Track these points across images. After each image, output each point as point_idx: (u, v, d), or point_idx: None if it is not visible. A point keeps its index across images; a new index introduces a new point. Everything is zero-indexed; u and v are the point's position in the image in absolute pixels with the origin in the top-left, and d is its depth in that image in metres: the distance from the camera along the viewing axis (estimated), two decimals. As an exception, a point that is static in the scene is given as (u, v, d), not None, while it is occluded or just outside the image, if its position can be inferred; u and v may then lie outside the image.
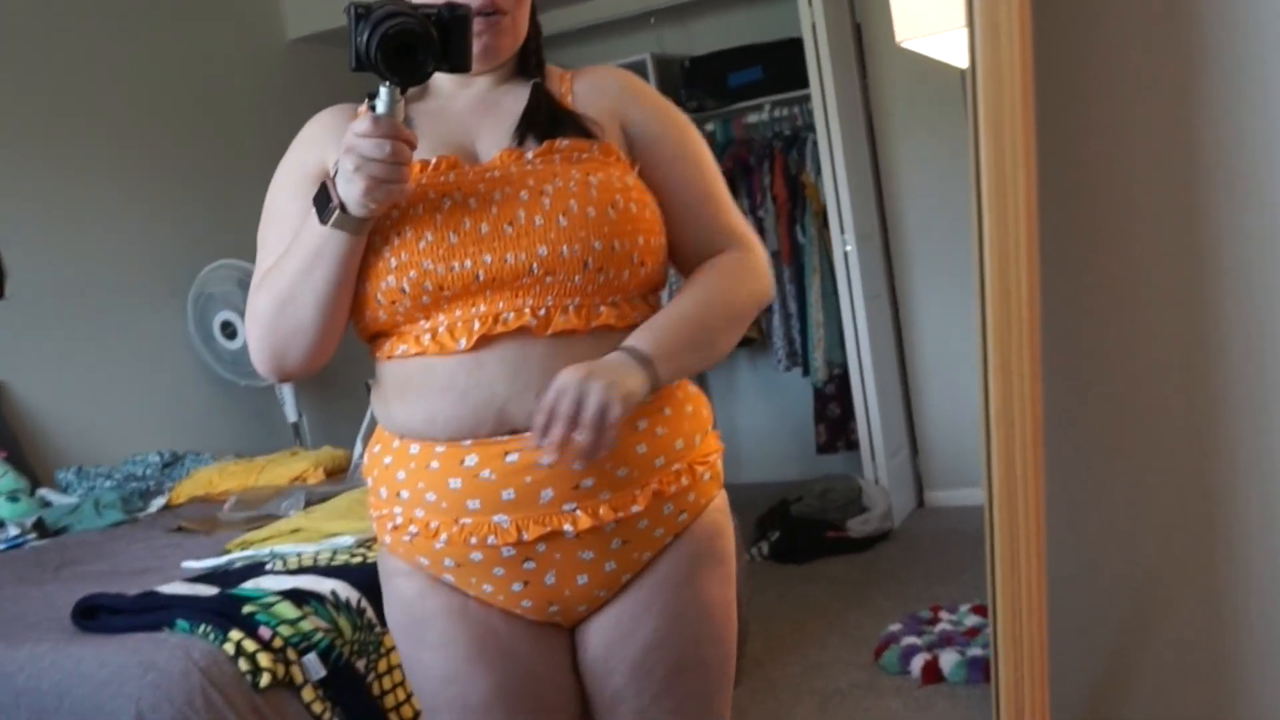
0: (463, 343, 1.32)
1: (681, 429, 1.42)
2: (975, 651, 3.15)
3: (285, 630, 2.15)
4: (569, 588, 1.41)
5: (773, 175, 4.96)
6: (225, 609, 2.18)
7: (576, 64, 1.55)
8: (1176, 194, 2.00)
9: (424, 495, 1.38)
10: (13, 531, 3.34)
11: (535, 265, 1.32)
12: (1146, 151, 2.01)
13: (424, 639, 1.44)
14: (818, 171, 4.74)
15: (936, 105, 4.56)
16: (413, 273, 1.32)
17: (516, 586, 1.40)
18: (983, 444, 1.87)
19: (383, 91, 1.25)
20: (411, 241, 1.32)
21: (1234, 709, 2.09)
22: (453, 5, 1.29)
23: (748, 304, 1.47)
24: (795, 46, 4.72)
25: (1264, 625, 2.05)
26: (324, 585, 2.29)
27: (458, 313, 1.33)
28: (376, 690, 2.23)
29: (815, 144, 4.71)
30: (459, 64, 1.30)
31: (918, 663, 3.17)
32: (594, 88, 1.48)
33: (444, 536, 1.37)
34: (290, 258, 1.34)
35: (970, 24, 1.76)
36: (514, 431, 1.34)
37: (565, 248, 1.32)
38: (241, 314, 4.41)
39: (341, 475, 3.74)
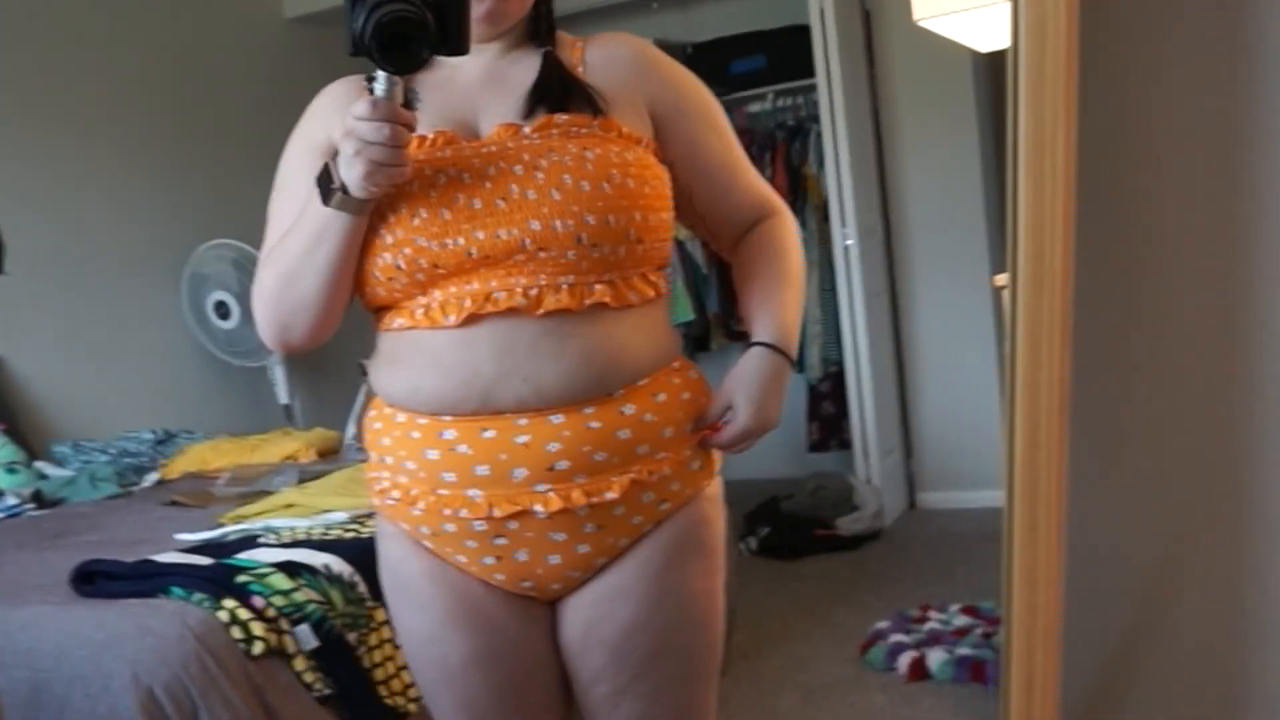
0: (451, 318, 1.33)
1: (673, 417, 1.41)
2: (964, 651, 3.16)
3: (278, 600, 2.16)
4: (540, 566, 1.41)
5: (774, 167, 4.94)
6: (219, 578, 2.19)
7: (578, 47, 1.53)
8: (1213, 186, 1.97)
9: (404, 463, 1.39)
10: (11, 501, 3.36)
11: (527, 240, 1.31)
12: (1186, 143, 1.98)
13: (408, 599, 1.47)
14: (820, 164, 4.70)
15: (947, 97, 4.50)
16: (407, 249, 1.32)
17: (488, 560, 1.41)
18: (1005, 424, 1.85)
19: (380, 76, 1.25)
20: (406, 218, 1.32)
21: (1245, 704, 2.08)
22: None
23: (802, 269, 1.57)
24: (800, 34, 4.66)
25: (1277, 622, 2.05)
26: (317, 559, 2.31)
27: (452, 289, 1.34)
28: (367, 663, 2.24)
29: (819, 136, 4.66)
30: (456, 48, 1.29)
31: (904, 659, 3.17)
32: (608, 60, 1.46)
33: (421, 505, 1.39)
34: (295, 235, 1.35)
35: (1015, 5, 1.74)
36: (498, 413, 1.34)
37: (558, 222, 1.31)
38: (235, 295, 4.42)
39: (333, 456, 3.75)
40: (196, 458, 3.78)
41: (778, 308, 1.50)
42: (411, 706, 2.25)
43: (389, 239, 1.33)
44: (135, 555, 2.47)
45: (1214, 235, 2.00)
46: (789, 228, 1.57)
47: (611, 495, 1.37)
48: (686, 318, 4.86)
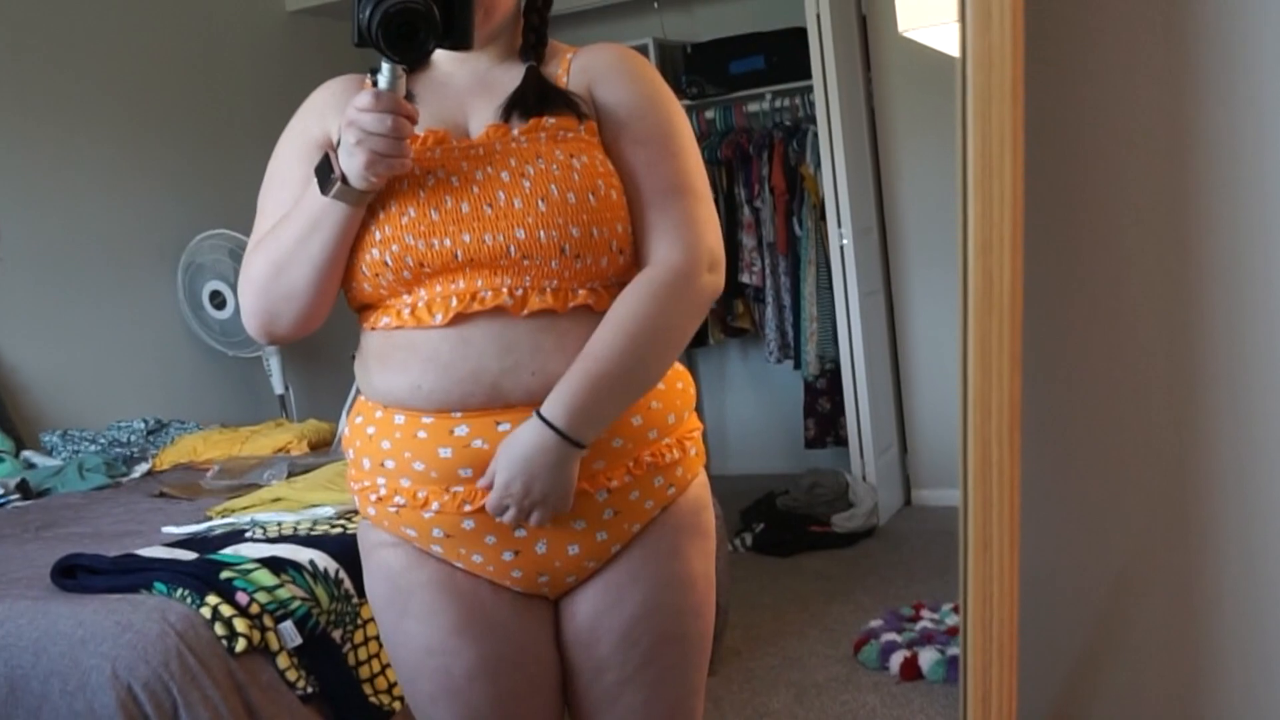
0: (439, 318, 1.34)
1: (673, 404, 1.45)
2: (956, 650, 3.14)
3: (262, 597, 2.14)
4: (560, 557, 1.42)
5: (771, 166, 4.95)
6: (203, 573, 2.17)
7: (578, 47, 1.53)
8: (1164, 187, 2.00)
9: (411, 464, 1.38)
10: (-5, 491, 3.33)
11: (512, 247, 1.33)
12: (1135, 144, 2.01)
13: (408, 610, 1.44)
14: (817, 163, 4.72)
15: (941, 100, 4.46)
16: (395, 246, 1.34)
17: (508, 555, 1.41)
18: (960, 431, 1.87)
19: (385, 67, 1.27)
20: (395, 216, 1.34)
21: (1203, 706, 2.09)
22: None
23: (681, 325, 1.38)
24: (798, 36, 4.70)
25: (1235, 622, 2.05)
26: (303, 554, 2.28)
27: (438, 288, 1.35)
28: (352, 660, 2.22)
29: (816, 136, 4.69)
30: (461, 42, 1.32)
31: (897, 659, 3.16)
32: (586, 65, 1.46)
33: (435, 505, 1.38)
34: (288, 224, 1.36)
35: (962, 9, 1.75)
36: (509, 406, 1.35)
37: (543, 232, 1.32)
38: (231, 285, 4.41)
39: (326, 448, 3.74)
40: (187, 448, 3.75)
41: (583, 384, 1.31)
42: (396, 705, 2.23)
43: (378, 235, 1.35)
44: (121, 548, 2.45)
45: (1168, 238, 2.01)
46: (676, 290, 1.35)
47: (630, 477, 1.40)
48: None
